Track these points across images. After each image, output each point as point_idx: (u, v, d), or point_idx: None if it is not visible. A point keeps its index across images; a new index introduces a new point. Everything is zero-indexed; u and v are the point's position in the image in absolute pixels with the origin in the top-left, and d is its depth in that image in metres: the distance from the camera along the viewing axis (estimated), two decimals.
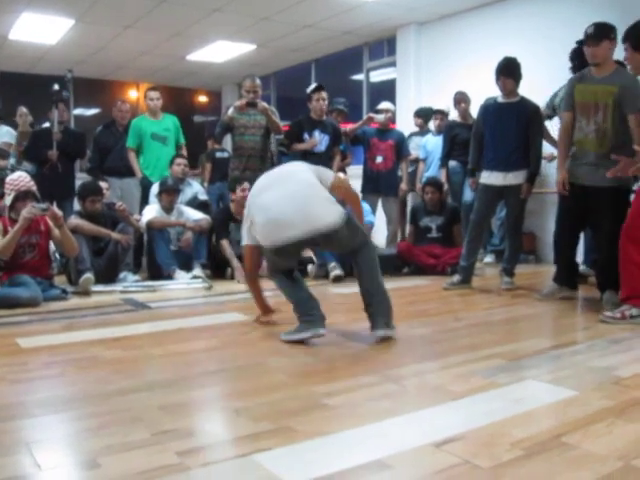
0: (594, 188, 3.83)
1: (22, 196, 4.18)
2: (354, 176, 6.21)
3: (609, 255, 3.74)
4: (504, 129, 4.53)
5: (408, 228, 6.18)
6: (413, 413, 2.02)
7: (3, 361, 2.68)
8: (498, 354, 2.73)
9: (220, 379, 2.44)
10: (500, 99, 4.62)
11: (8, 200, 4.22)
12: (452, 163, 6.37)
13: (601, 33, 3.73)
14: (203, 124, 12.09)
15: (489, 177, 4.61)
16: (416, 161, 6.90)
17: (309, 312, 3.01)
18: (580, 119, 3.92)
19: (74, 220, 4.72)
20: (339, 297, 4.47)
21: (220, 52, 9.13)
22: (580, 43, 3.93)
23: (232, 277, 5.10)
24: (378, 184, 6.16)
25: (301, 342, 2.95)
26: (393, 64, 8.43)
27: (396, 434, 1.83)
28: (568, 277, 4.19)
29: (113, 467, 1.57)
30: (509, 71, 4.51)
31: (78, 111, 11.03)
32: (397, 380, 2.35)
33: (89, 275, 4.39)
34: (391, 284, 4.99)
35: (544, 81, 5.14)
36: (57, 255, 4.99)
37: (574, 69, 4.44)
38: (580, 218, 4.06)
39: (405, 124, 7.37)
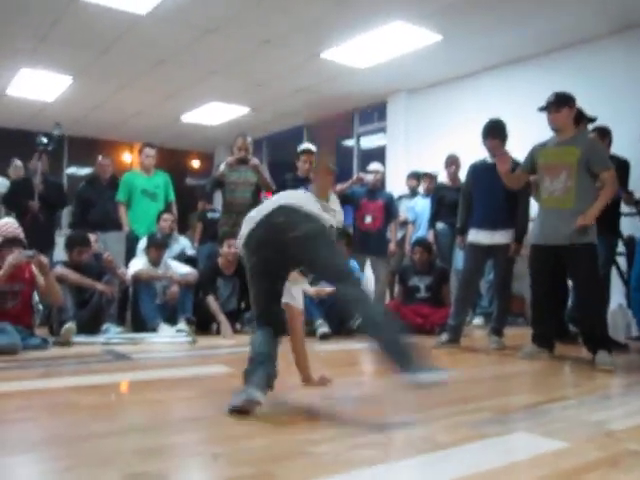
0: (565, 247, 3.86)
1: (8, 242, 4.13)
2: None
3: (590, 315, 3.75)
4: (492, 189, 4.57)
5: (397, 288, 6.14)
6: (400, 462, 1.93)
7: None
8: (487, 407, 2.65)
9: (199, 426, 2.34)
10: (488, 159, 4.68)
11: None
12: (439, 225, 6.40)
13: (562, 101, 3.99)
14: (195, 187, 12.18)
15: (477, 235, 4.62)
16: (405, 223, 6.93)
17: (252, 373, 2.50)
18: (545, 180, 4.05)
19: (60, 269, 4.67)
20: (325, 353, 4.38)
21: (214, 114, 9.29)
22: (542, 110, 4.07)
23: (218, 332, 5.02)
24: (367, 244, 6.15)
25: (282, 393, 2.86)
26: (383, 130, 8.59)
27: None
28: (545, 339, 4.15)
29: None
30: (495, 132, 4.60)
31: (71, 170, 11.10)
32: (382, 430, 2.26)
33: (71, 324, 4.30)
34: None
35: (527, 143, 5.23)
36: (40, 306, 4.89)
37: None
38: (553, 278, 4.10)
39: (394, 187, 7.44)
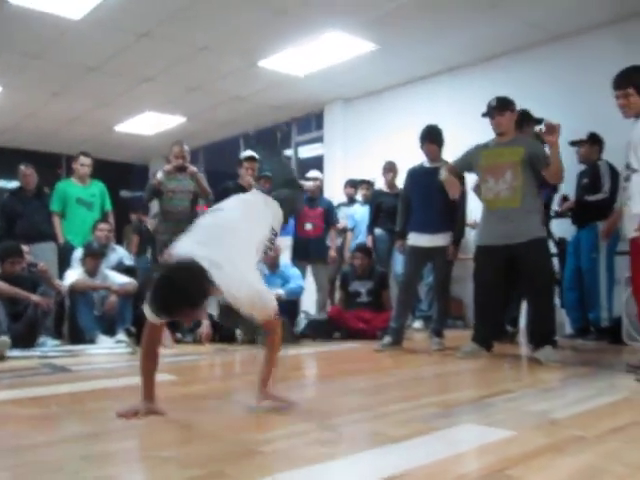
0: (518, 245, 3.95)
1: None
2: (284, 247, 6.19)
3: (542, 309, 3.86)
4: (430, 193, 4.66)
5: (338, 294, 6.18)
6: (352, 456, 1.94)
7: None
8: (433, 403, 2.69)
9: (145, 431, 2.28)
10: (426, 164, 4.78)
11: None
12: (378, 231, 6.48)
13: (504, 105, 4.12)
14: (129, 199, 11.93)
15: (417, 239, 4.71)
16: (344, 231, 6.98)
17: None
18: (488, 181, 4.13)
19: None
20: None
21: (149, 124, 9.16)
22: (485, 115, 4.19)
23: None
24: (307, 250, 6.18)
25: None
26: (321, 139, 8.65)
27: (335, 475, 1.75)
28: (485, 338, 4.24)
29: None
30: (432, 137, 4.71)
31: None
32: (333, 428, 2.27)
33: (5, 338, 4.14)
34: (322, 348, 5.00)
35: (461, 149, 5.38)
36: None
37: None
38: (497, 279, 4.17)
39: (332, 196, 7.49)
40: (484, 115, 4.18)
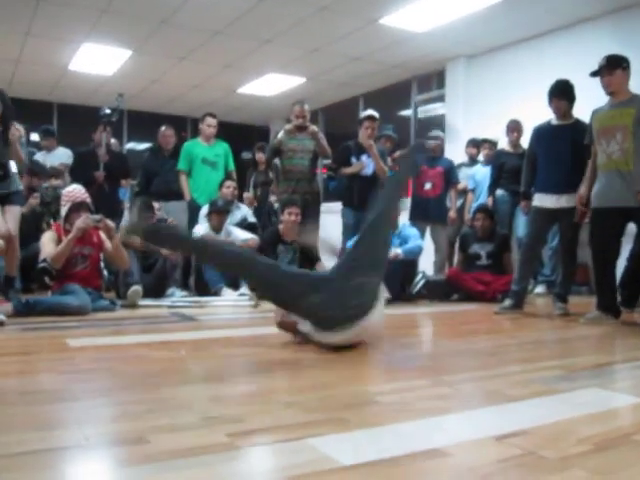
0: (635, 207, 3.75)
1: (76, 207, 4.26)
2: (403, 207, 6.14)
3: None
4: (558, 151, 4.45)
5: (457, 256, 6.08)
6: (469, 411, 1.92)
7: (52, 356, 2.69)
8: (556, 366, 2.61)
9: (269, 378, 2.38)
10: (554, 121, 4.55)
11: (63, 211, 4.30)
12: (499, 192, 6.27)
13: (614, 63, 3.92)
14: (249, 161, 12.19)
15: (542, 199, 4.52)
16: (465, 192, 6.83)
17: None
18: (601, 143, 3.98)
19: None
20: (386, 317, 4.37)
21: (270, 85, 9.30)
22: (594, 74, 3.96)
23: None
24: (427, 211, 6.10)
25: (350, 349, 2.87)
26: (441, 98, 8.45)
27: (453, 428, 1.74)
28: (610, 305, 4.05)
29: (162, 443, 1.52)
30: (562, 92, 4.46)
31: (130, 145, 11.30)
32: (451, 384, 2.25)
33: (137, 287, 4.42)
34: (439, 309, 4.96)
35: (590, 108, 5.08)
36: (105, 272, 5.04)
37: None
38: (615, 241, 4.00)
39: (453, 155, 7.32)
40: (593, 74, 3.96)
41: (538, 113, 4.76)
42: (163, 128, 6.63)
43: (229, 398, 2.01)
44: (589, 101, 4.64)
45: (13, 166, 4.38)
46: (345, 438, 1.60)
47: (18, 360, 2.67)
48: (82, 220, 4.11)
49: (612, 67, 3.89)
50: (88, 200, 4.38)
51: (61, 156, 6.68)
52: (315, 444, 1.53)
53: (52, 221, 5.15)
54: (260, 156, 7.33)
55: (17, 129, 5.06)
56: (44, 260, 4.13)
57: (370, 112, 5.91)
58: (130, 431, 1.63)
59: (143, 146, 11.63)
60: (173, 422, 1.71)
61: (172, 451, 1.47)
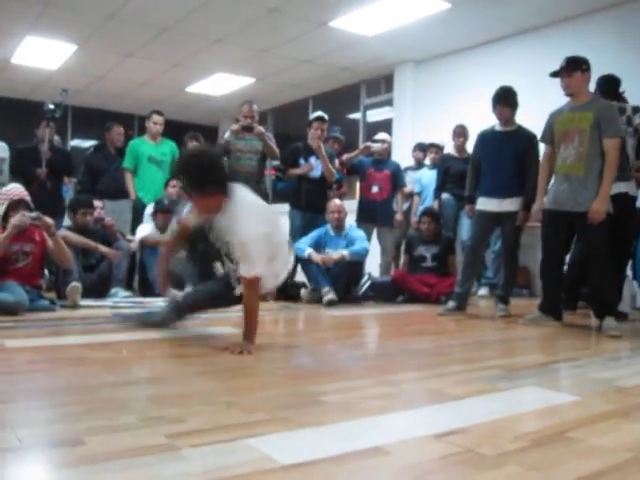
0: (578, 213, 3.85)
1: (14, 205, 4.14)
2: (350, 210, 6.16)
3: (602, 279, 3.75)
4: (501, 156, 4.55)
5: (403, 258, 6.15)
6: (410, 410, 1.95)
7: None
8: (496, 366, 2.66)
9: (208, 378, 2.35)
10: (497, 127, 4.66)
11: (1, 210, 4.18)
12: (445, 196, 6.38)
13: (573, 65, 3.94)
14: None
15: (486, 203, 4.61)
16: (411, 195, 6.91)
17: None
18: (559, 147, 4.03)
19: (63, 232, 4.68)
20: (332, 318, 4.40)
21: (219, 85, 9.23)
22: (553, 75, 4.04)
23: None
24: (374, 214, 6.14)
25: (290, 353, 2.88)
26: (389, 102, 8.54)
27: (393, 426, 1.76)
28: (553, 306, 4.15)
29: (98, 445, 1.49)
30: (505, 99, 4.56)
31: (75, 142, 11.04)
32: (393, 384, 2.28)
33: (76, 284, 4.31)
34: (384, 310, 5.01)
35: (539, 114, 5.21)
36: (46, 272, 4.91)
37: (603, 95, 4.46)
38: (564, 245, 4.12)
39: (400, 160, 7.40)
40: (553, 75, 4.03)
41: (484, 118, 4.86)
42: (115, 126, 6.50)
43: (169, 399, 1.98)
44: (533, 107, 4.78)
45: None
46: (285, 437, 1.60)
47: None
48: (17, 218, 4.00)
49: (571, 69, 3.92)
50: (27, 198, 4.26)
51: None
52: (255, 444, 1.52)
53: None
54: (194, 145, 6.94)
55: None
56: None
57: (319, 113, 5.93)
58: (66, 432, 1.59)
59: (88, 143, 11.36)
60: (111, 423, 1.67)
61: (109, 452, 1.44)
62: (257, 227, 2.78)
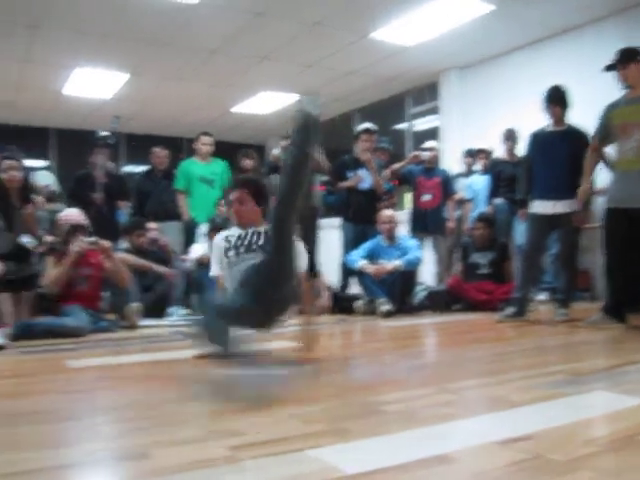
0: (637, 209, 3.73)
1: (73, 230, 4.26)
2: (402, 220, 6.12)
3: None
4: (554, 157, 4.46)
5: (457, 266, 6.07)
6: (474, 417, 1.91)
7: (52, 377, 2.67)
8: (560, 371, 2.59)
9: (272, 391, 2.35)
10: (549, 127, 4.56)
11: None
12: (498, 200, 6.28)
13: (627, 57, 3.89)
14: None
15: (540, 206, 4.51)
16: (462, 202, 6.83)
17: None
18: (620, 141, 3.93)
19: (120, 254, 4.80)
20: (389, 329, 4.37)
21: (264, 103, 9.34)
22: (608, 69, 3.95)
23: None
24: (426, 222, 6.09)
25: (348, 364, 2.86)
26: (435, 110, 8.48)
27: (457, 434, 1.72)
28: (617, 308, 4.02)
29: (164, 458, 1.51)
30: (557, 98, 4.48)
31: (128, 168, 11.29)
32: (455, 392, 2.23)
33: (135, 304, 4.41)
34: (441, 319, 4.94)
35: (590, 112, 5.08)
36: (106, 294, 5.02)
37: None
38: (629, 243, 3.96)
39: (449, 167, 7.33)
40: (607, 69, 3.94)
41: (533, 121, 4.77)
42: (157, 149, 6.64)
43: (231, 412, 1.99)
44: (580, 106, 4.67)
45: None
46: (348, 448, 1.58)
47: (18, 382, 2.65)
48: (77, 244, 4.14)
49: (625, 61, 3.85)
50: (84, 222, 4.38)
51: (44, 179, 6.70)
52: (318, 454, 1.51)
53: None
54: (247, 162, 6.54)
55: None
56: (41, 286, 4.17)
57: (367, 125, 5.93)
58: (133, 446, 1.62)
59: (140, 168, 11.61)
60: (175, 437, 1.69)
61: (175, 465, 1.45)
62: None
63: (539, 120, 4.64)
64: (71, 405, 2.12)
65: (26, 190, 4.26)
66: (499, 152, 6.54)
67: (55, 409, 2.07)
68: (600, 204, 5.36)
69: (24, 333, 3.80)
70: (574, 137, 4.46)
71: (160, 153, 6.62)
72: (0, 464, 1.48)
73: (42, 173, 6.93)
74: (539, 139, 4.60)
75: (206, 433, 1.73)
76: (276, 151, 5.79)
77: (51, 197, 6.22)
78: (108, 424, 1.89)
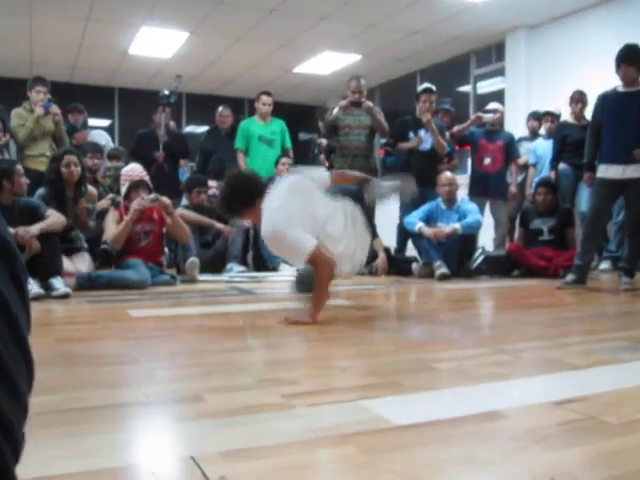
0: None
1: (135, 185, 4.36)
2: (462, 183, 6.01)
3: None
4: (624, 119, 4.28)
5: (517, 231, 5.94)
6: (529, 378, 1.89)
7: (114, 325, 2.77)
8: (620, 337, 2.52)
9: (325, 346, 2.38)
10: (620, 88, 4.37)
11: (123, 190, 4.41)
12: (562, 166, 6.07)
13: None
14: (308, 141, 12.16)
15: (607, 170, 4.35)
16: (526, 167, 6.64)
17: None
18: None
19: (180, 210, 4.91)
20: (445, 291, 4.34)
21: (326, 64, 9.25)
22: None
23: None
24: (486, 186, 5.97)
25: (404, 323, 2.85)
26: (501, 72, 8.22)
27: (511, 393, 1.70)
28: None
29: (218, 402, 1.55)
30: (630, 58, 4.27)
31: (189, 128, 11.43)
32: (510, 353, 2.21)
33: (194, 259, 4.50)
34: (499, 284, 4.87)
35: None
36: (166, 249, 5.14)
37: None
38: None
39: (514, 130, 7.13)
40: None
41: (603, 83, 4.59)
42: (220, 108, 6.71)
43: (285, 363, 2.03)
44: None
45: None
46: (399, 400, 1.59)
47: (84, 328, 2.76)
48: (137, 202, 4.22)
49: None
50: (146, 178, 4.47)
51: (99, 138, 6.84)
52: (369, 405, 1.52)
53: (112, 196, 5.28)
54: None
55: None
56: (105, 242, 4.29)
57: (427, 85, 5.82)
58: (187, 390, 1.67)
59: (202, 128, 11.73)
60: (229, 383, 1.73)
61: (228, 409, 1.49)
62: (275, 216, 2.71)
63: (609, 83, 4.45)
64: (131, 350, 2.19)
65: (82, 184, 4.36)
66: (566, 115, 6.31)
67: (115, 353, 2.15)
68: None
69: (88, 284, 3.95)
70: None
71: (224, 112, 6.69)
72: (63, 401, 1.55)
73: (97, 132, 7.07)
74: (609, 100, 4.41)
75: (260, 381, 1.77)
76: (336, 110, 5.74)
77: (114, 155, 6.36)
78: (165, 369, 1.95)
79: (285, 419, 1.42)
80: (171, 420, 1.47)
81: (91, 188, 4.63)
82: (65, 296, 3.54)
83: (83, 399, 1.57)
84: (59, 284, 3.57)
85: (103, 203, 5.13)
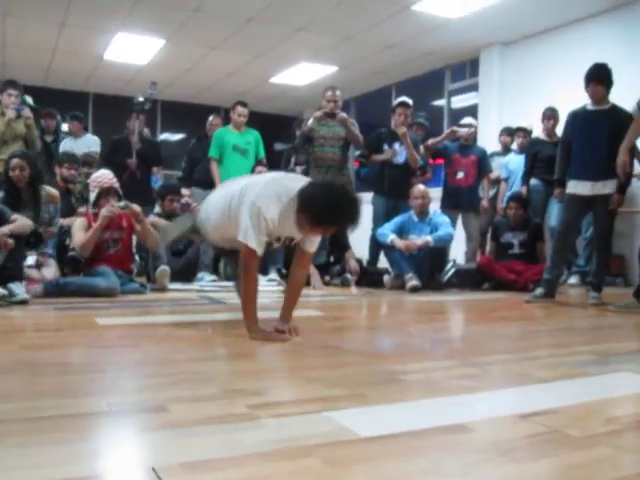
0: None
1: (105, 192, 4.31)
2: (434, 197, 6.05)
3: None
4: (594, 137, 4.35)
5: (489, 245, 6.00)
6: (495, 391, 1.90)
7: (81, 333, 2.72)
8: (586, 351, 2.55)
9: (291, 356, 2.37)
10: (589, 106, 4.45)
11: (92, 197, 4.36)
12: (533, 181, 6.15)
13: None
14: (283, 151, 12.14)
15: (576, 186, 4.42)
16: (498, 181, 6.72)
17: None
18: None
19: (152, 218, 4.86)
20: (415, 303, 4.35)
21: (302, 75, 9.27)
22: None
23: (308, 284, 5.06)
24: (459, 200, 6.02)
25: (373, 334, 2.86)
26: (475, 87, 8.32)
27: (477, 405, 1.71)
28: None
29: (182, 412, 1.53)
30: (599, 78, 4.34)
31: (164, 136, 11.36)
32: (479, 365, 2.22)
33: (165, 267, 4.46)
34: (470, 297, 4.90)
35: (629, 93, 4.91)
36: (137, 257, 5.09)
37: None
38: None
39: (487, 145, 7.21)
40: None
41: (575, 100, 4.65)
42: (211, 117, 6.78)
43: (252, 373, 2.01)
44: (627, 85, 4.54)
45: None
46: (365, 412, 1.58)
47: (49, 335, 2.72)
48: (107, 209, 4.17)
49: None
50: (116, 185, 4.43)
51: (90, 144, 6.76)
52: (334, 417, 1.51)
53: (83, 208, 5.20)
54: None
55: None
56: (73, 249, 4.23)
57: (403, 99, 5.86)
58: (151, 400, 1.64)
59: (176, 136, 11.68)
60: (195, 394, 1.71)
61: (192, 419, 1.47)
62: (263, 192, 2.62)
63: (581, 100, 4.52)
64: (96, 359, 2.16)
65: (36, 183, 4.31)
66: (538, 132, 6.41)
67: (81, 362, 2.12)
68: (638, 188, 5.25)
69: (56, 290, 3.88)
70: (616, 116, 4.33)
71: (214, 121, 6.71)
72: (23, 410, 1.52)
73: (90, 137, 7.00)
74: (579, 118, 4.48)
75: (225, 391, 1.75)
76: (310, 121, 5.74)
77: (86, 161, 6.29)
78: (130, 378, 1.92)
79: (249, 430, 1.41)
80: (134, 430, 1.44)
81: (51, 189, 4.53)
82: (24, 302, 3.47)
83: (44, 408, 1.53)
84: (19, 290, 3.50)
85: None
